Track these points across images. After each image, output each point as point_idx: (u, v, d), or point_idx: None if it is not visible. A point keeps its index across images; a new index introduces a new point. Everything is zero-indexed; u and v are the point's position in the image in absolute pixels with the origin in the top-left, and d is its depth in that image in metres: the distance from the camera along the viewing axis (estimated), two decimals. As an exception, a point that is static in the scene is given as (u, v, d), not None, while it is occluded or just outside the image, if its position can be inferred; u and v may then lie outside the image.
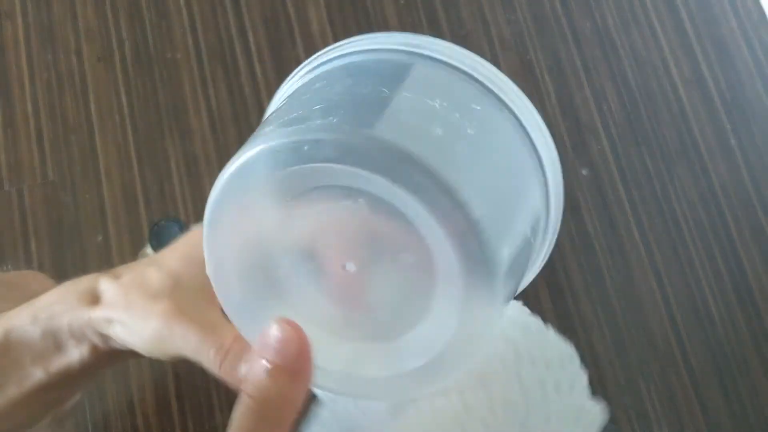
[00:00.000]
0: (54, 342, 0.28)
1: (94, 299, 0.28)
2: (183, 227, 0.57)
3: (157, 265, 0.28)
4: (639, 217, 0.86)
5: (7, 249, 0.81)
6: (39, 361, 0.28)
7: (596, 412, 0.23)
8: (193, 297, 0.27)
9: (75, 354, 0.28)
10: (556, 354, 0.23)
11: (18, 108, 0.86)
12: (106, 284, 0.28)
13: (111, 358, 0.29)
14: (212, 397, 0.77)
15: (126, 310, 0.26)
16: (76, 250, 0.81)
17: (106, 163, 0.84)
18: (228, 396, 0.77)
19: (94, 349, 0.28)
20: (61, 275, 0.79)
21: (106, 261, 0.81)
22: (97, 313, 0.27)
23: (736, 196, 0.87)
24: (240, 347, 0.25)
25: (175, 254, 0.29)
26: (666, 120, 0.90)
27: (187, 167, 0.84)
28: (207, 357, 0.26)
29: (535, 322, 0.23)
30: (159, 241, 0.57)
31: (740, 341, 0.83)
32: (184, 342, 0.26)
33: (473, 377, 0.22)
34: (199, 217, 0.82)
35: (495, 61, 0.91)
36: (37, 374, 0.28)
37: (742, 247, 0.86)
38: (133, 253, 0.81)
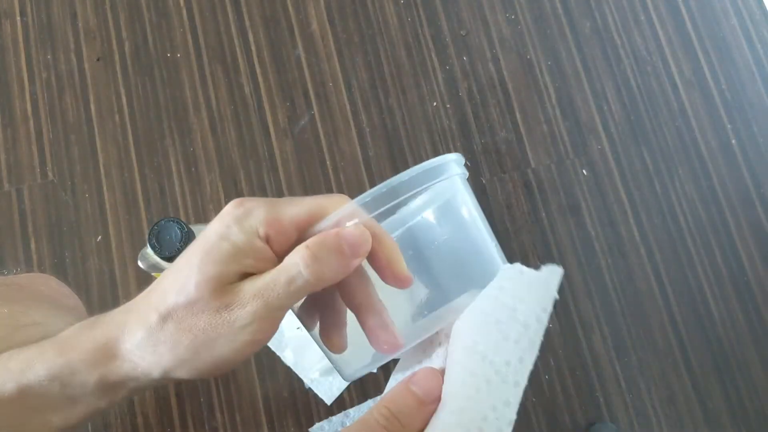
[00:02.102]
0: (77, 395, 0.27)
1: (113, 353, 0.27)
2: (183, 227, 0.57)
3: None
4: (639, 217, 0.86)
5: (7, 249, 0.81)
6: (59, 412, 0.27)
7: (553, 268, 0.27)
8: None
9: (103, 403, 0.28)
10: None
11: (18, 108, 0.86)
12: (135, 334, 0.27)
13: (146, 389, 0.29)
14: (212, 397, 0.77)
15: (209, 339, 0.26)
16: (76, 250, 0.81)
17: (106, 163, 0.84)
18: (228, 396, 0.77)
19: (132, 391, 0.28)
20: (61, 275, 0.79)
21: (106, 261, 0.81)
22: (143, 366, 0.27)
23: (737, 195, 0.87)
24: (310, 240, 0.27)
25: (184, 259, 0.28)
26: (666, 120, 0.90)
27: (187, 167, 0.84)
28: (295, 270, 0.26)
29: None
30: (159, 241, 0.57)
31: (740, 341, 0.83)
32: (276, 283, 0.26)
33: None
34: (198, 217, 0.82)
35: (495, 61, 0.91)
36: (56, 422, 0.28)
37: (743, 247, 0.86)
38: (133, 253, 0.81)
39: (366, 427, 0.25)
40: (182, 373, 0.27)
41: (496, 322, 0.26)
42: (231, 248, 0.26)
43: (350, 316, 0.29)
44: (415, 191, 0.27)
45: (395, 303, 0.28)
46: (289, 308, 0.27)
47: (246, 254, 0.26)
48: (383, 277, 0.27)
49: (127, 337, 0.27)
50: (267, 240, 0.27)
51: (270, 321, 0.26)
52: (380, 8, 0.92)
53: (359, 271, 0.28)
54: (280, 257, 0.28)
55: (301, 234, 0.28)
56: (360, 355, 0.29)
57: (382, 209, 0.27)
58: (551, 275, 0.27)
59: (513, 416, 0.25)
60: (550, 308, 0.27)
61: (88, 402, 0.28)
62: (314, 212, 0.27)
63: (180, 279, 0.27)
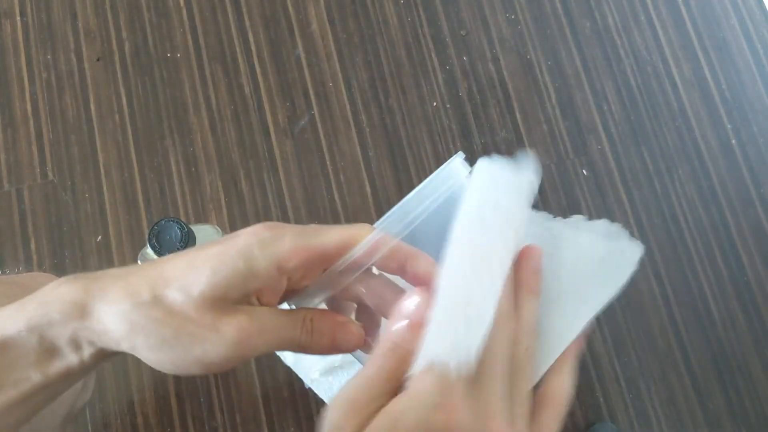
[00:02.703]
0: (52, 348, 0.28)
1: (88, 310, 0.27)
2: (183, 227, 0.57)
3: (180, 287, 0.27)
4: (639, 217, 0.86)
5: (7, 249, 0.81)
6: (37, 366, 0.28)
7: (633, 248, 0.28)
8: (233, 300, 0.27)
9: (74, 358, 0.28)
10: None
11: (18, 108, 0.86)
12: (115, 305, 0.27)
13: (112, 356, 0.29)
14: (212, 397, 0.77)
15: (179, 332, 0.26)
16: (76, 250, 0.81)
17: (106, 163, 0.84)
18: (228, 396, 0.77)
19: (98, 353, 0.28)
20: (61, 275, 0.79)
21: (107, 261, 0.81)
22: (113, 333, 0.27)
23: (737, 195, 0.87)
24: (317, 313, 0.29)
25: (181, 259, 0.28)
26: (666, 120, 0.90)
27: (187, 167, 0.84)
28: (294, 334, 0.28)
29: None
30: (159, 241, 0.57)
31: (740, 341, 0.83)
32: (272, 335, 0.27)
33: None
34: (198, 217, 0.82)
35: (495, 61, 0.91)
36: (34, 377, 0.28)
37: (743, 247, 0.86)
38: (133, 253, 0.81)
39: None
40: (147, 357, 0.27)
41: (481, 218, 0.27)
42: (245, 270, 0.26)
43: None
44: (428, 200, 0.28)
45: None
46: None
47: (256, 279, 0.27)
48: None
49: (109, 301, 0.27)
50: (288, 269, 0.27)
51: (241, 362, 0.27)
52: (380, 8, 0.92)
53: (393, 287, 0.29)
54: (296, 285, 0.28)
55: (328, 264, 0.28)
56: None
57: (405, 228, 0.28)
58: (530, 172, 0.28)
59: (496, 299, 0.25)
60: (530, 198, 0.28)
61: (63, 356, 0.28)
62: (343, 243, 0.28)
63: (186, 276, 0.27)
